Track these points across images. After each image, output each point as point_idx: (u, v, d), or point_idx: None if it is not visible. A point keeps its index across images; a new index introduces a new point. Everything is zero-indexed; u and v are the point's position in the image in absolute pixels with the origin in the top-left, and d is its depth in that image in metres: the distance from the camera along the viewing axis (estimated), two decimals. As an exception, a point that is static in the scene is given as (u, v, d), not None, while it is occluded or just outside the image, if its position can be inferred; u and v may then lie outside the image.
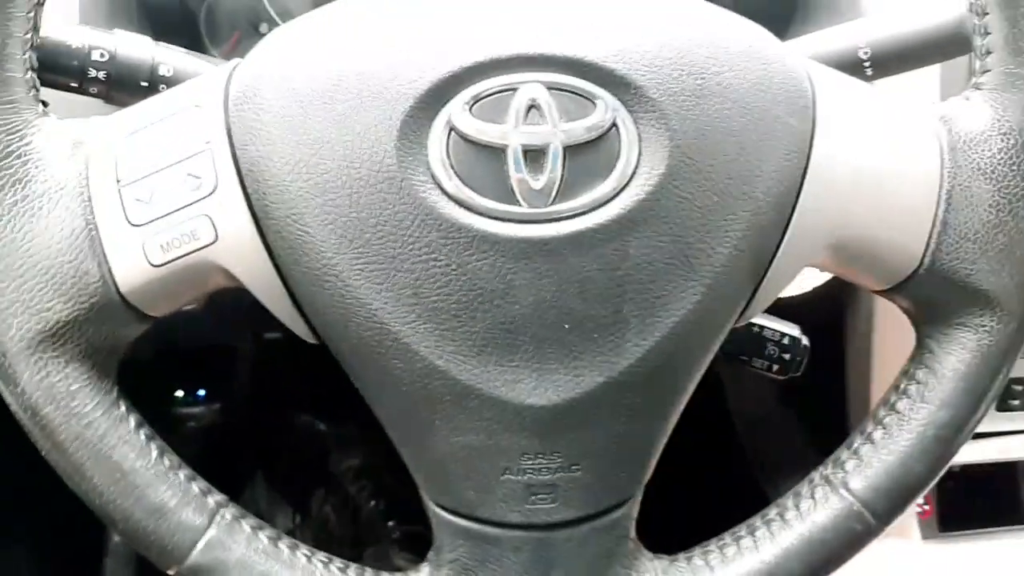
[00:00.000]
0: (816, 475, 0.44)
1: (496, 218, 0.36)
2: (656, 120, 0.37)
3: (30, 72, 0.38)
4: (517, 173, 0.36)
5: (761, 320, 0.49)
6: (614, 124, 0.36)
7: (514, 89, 0.36)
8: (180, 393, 0.96)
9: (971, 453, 0.73)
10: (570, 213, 0.36)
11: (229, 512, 0.41)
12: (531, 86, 0.36)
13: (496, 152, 0.36)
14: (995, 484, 0.76)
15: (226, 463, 1.13)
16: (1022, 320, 0.41)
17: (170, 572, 0.40)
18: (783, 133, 0.38)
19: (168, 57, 0.47)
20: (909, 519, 0.76)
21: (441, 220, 0.36)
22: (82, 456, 0.38)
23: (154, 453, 0.40)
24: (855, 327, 0.72)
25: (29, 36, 0.38)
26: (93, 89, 0.46)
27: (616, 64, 0.36)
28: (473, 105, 0.36)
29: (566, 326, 0.37)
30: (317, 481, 1.16)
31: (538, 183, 0.36)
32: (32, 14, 0.38)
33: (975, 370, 0.41)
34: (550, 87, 0.36)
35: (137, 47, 0.46)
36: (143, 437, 0.40)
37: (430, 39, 0.37)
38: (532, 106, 0.36)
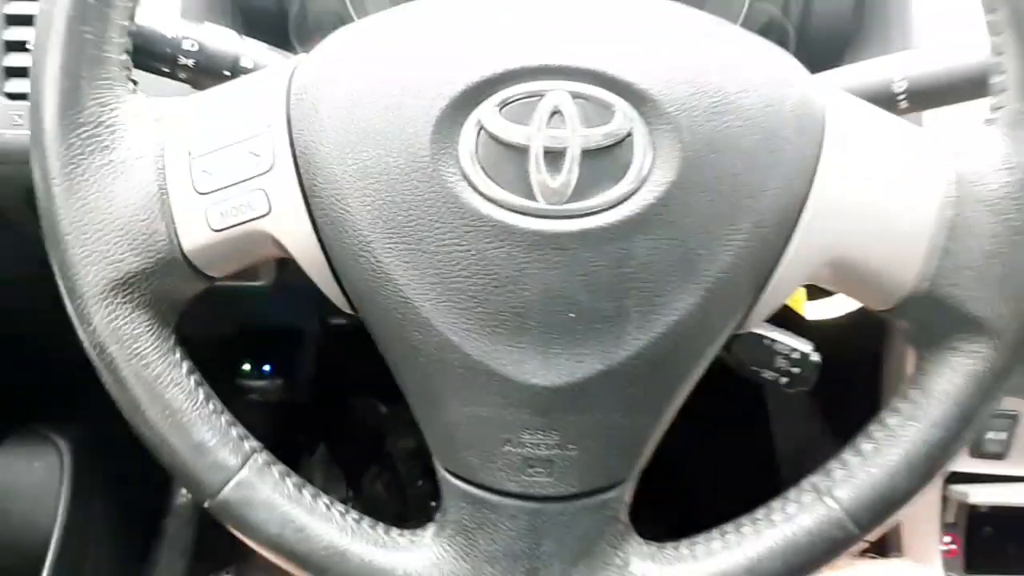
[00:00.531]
0: (806, 482, 0.46)
1: (514, 211, 0.40)
2: (669, 132, 0.40)
3: (124, 55, 0.43)
4: (537, 172, 0.39)
5: (774, 334, 0.52)
6: (630, 133, 0.40)
7: (541, 95, 0.40)
8: (247, 367, 1.02)
9: (1005, 495, 0.73)
10: (582, 212, 0.40)
11: (262, 457, 0.46)
12: (556, 93, 0.40)
13: (520, 151, 0.40)
14: (1027, 529, 0.76)
15: (288, 436, 1.20)
16: (1014, 348, 0.42)
17: (204, 505, 0.45)
18: (791, 153, 0.41)
19: (250, 50, 0.52)
20: (933, 555, 0.76)
21: (465, 209, 0.40)
22: (138, 392, 0.44)
23: (201, 397, 0.45)
24: (891, 352, 0.73)
25: (126, 24, 0.43)
26: (182, 75, 0.51)
27: (636, 78, 0.40)
28: (503, 107, 0.40)
29: (571, 315, 0.40)
30: (372, 459, 1.22)
31: (555, 182, 0.39)
32: (131, 4, 0.43)
33: (965, 393, 0.43)
34: (574, 95, 0.40)
35: (223, 40, 0.51)
36: (193, 382, 0.45)
37: (468, 46, 0.41)
38: (555, 111, 0.39)
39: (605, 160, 0.40)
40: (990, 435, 0.72)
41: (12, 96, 0.63)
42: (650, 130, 0.40)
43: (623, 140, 0.40)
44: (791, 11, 0.72)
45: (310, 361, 1.13)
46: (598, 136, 0.39)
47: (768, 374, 0.51)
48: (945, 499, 0.76)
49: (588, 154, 0.39)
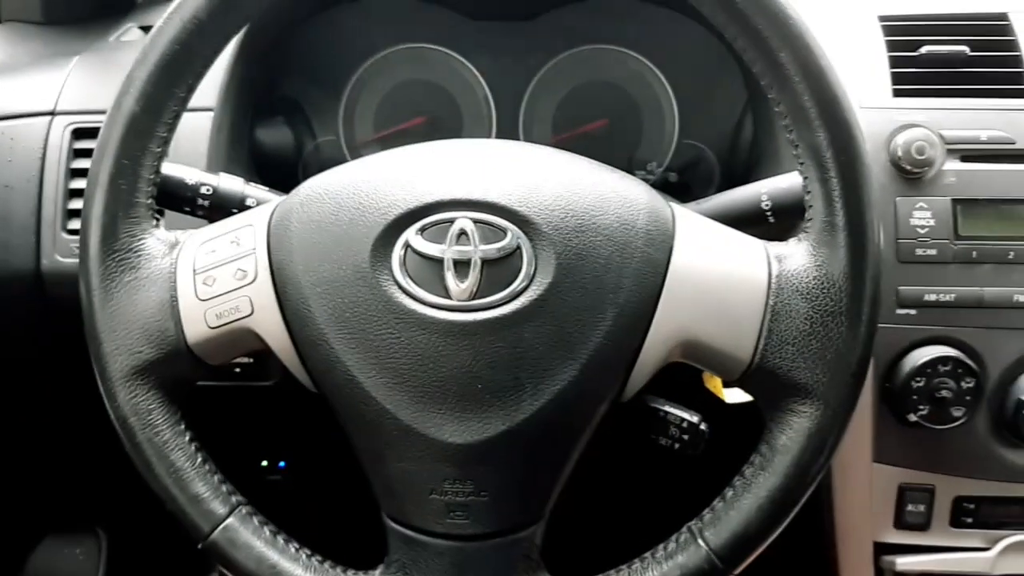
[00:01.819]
0: (685, 526, 0.56)
1: (433, 307, 0.52)
2: (547, 246, 0.52)
3: (151, 199, 0.58)
4: (449, 277, 0.52)
5: (667, 407, 0.62)
6: (518, 247, 0.52)
7: (451, 221, 0.53)
8: (265, 463, 1.14)
9: (931, 563, 0.80)
10: (483, 307, 0.52)
11: (245, 509, 0.57)
12: (462, 220, 0.53)
13: (436, 262, 0.52)
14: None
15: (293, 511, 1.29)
16: (836, 407, 0.53)
17: (198, 546, 0.56)
18: (641, 259, 0.53)
19: (253, 192, 0.66)
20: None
21: (397, 307, 0.53)
22: (150, 454, 0.56)
23: (199, 459, 0.57)
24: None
25: (152, 176, 0.58)
26: (200, 212, 0.65)
27: (520, 207, 0.53)
28: (423, 231, 0.53)
29: (479, 386, 0.52)
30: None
31: (463, 285, 0.52)
32: (156, 163, 0.58)
33: (800, 446, 0.53)
34: (475, 221, 0.53)
35: (233, 185, 0.66)
36: (193, 448, 0.57)
37: (395, 188, 0.54)
38: (462, 232, 0.53)
39: (500, 268, 0.52)
40: (910, 507, 0.79)
41: (72, 231, 0.79)
42: (533, 245, 0.53)
43: (513, 253, 0.52)
44: (712, 146, 0.87)
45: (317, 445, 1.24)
46: (494, 250, 0.52)
47: (664, 441, 0.62)
48: (880, 570, 0.83)
49: (487, 263, 0.52)
